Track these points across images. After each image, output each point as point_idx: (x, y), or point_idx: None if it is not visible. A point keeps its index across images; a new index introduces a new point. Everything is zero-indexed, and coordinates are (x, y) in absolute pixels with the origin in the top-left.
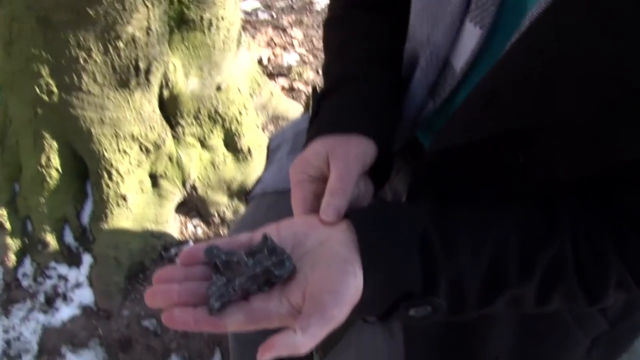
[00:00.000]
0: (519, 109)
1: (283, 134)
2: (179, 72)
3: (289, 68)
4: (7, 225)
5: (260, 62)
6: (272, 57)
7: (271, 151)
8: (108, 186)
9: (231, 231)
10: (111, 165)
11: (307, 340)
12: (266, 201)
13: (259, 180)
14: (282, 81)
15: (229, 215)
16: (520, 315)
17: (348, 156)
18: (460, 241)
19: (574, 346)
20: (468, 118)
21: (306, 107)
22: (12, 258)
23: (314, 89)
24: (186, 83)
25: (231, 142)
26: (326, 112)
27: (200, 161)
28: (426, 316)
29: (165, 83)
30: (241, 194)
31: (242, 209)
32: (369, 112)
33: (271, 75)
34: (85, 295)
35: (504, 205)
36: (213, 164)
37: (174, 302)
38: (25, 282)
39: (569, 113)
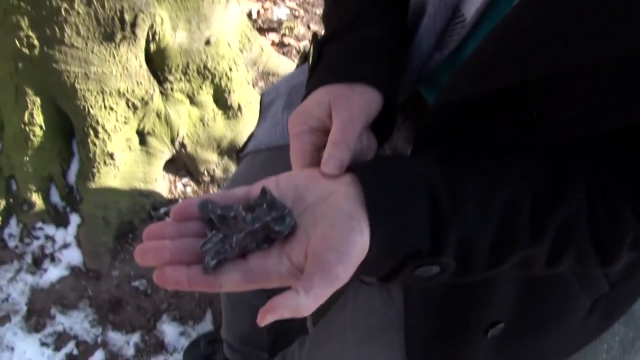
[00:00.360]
0: (532, 59)
1: (277, 89)
2: (167, 25)
3: (279, 22)
4: None
5: (249, 16)
6: (261, 11)
7: (264, 106)
8: (94, 144)
9: (223, 189)
10: (97, 122)
11: (310, 301)
12: (260, 158)
13: (250, 137)
14: (273, 36)
15: (218, 173)
16: (522, 276)
17: (352, 106)
18: (469, 197)
19: (575, 307)
20: (478, 69)
21: (303, 59)
22: None
23: (314, 35)
24: (174, 36)
25: (221, 99)
26: (328, 60)
27: (189, 118)
28: (432, 277)
29: (152, 36)
30: (231, 151)
31: (232, 167)
32: (374, 60)
33: (261, 30)
34: (73, 256)
35: (514, 161)
36: (202, 121)
37: (166, 260)
38: (11, 243)
39: (584, 63)
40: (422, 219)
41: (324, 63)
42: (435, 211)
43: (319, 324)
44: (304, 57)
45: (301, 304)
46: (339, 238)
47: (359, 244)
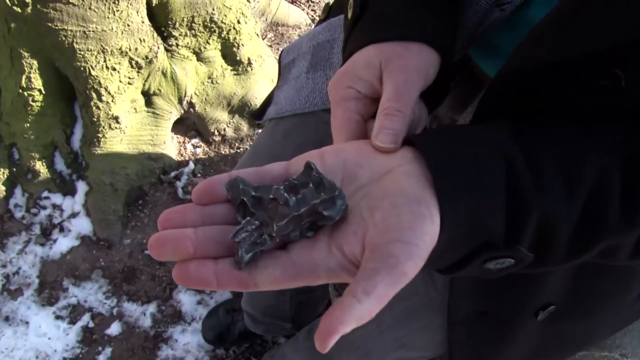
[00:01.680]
0: (626, 18)
1: (298, 47)
2: None
3: None
4: None
5: None
6: None
7: (284, 67)
8: (98, 107)
9: (241, 161)
10: (99, 84)
11: (373, 304)
12: (282, 126)
13: (269, 100)
14: None
15: (230, 132)
16: None
17: (408, 68)
18: (552, 171)
19: (628, 287)
20: (560, 30)
21: (327, 13)
22: (1, 189)
23: None
24: None
25: (229, 54)
26: (376, 13)
27: (196, 75)
28: (504, 269)
29: None
30: (242, 109)
31: (244, 126)
32: (432, 15)
33: None
34: (83, 225)
35: (599, 129)
36: (211, 78)
37: (189, 254)
38: (18, 214)
39: None
40: (497, 202)
41: (370, 16)
42: (514, 191)
43: None
44: (327, 10)
45: (363, 310)
46: (406, 227)
47: (429, 233)
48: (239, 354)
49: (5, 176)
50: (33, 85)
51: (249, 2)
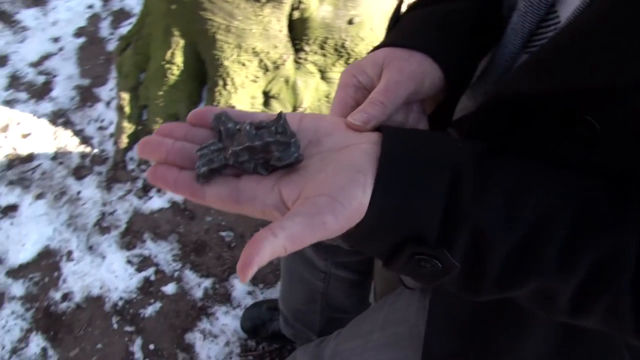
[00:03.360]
0: (602, 63)
1: None
2: None
3: None
4: (127, 110)
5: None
6: None
7: None
8: (220, 94)
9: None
10: (228, 74)
11: (287, 242)
12: None
13: None
14: None
15: None
16: (562, 324)
17: (402, 71)
18: (497, 192)
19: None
20: (542, 65)
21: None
22: (124, 140)
23: (399, 3)
24: (319, 9)
25: None
26: (400, 26)
27: (315, 92)
28: (435, 274)
29: (298, 4)
30: None
31: None
32: (447, 35)
33: None
34: None
35: (563, 172)
36: (328, 97)
37: (162, 158)
38: (130, 166)
39: None
40: (435, 199)
41: (397, 28)
42: (452, 195)
43: (353, 321)
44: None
45: (277, 244)
46: (338, 186)
47: (357, 199)
48: (266, 352)
49: (131, 131)
50: (174, 61)
51: None
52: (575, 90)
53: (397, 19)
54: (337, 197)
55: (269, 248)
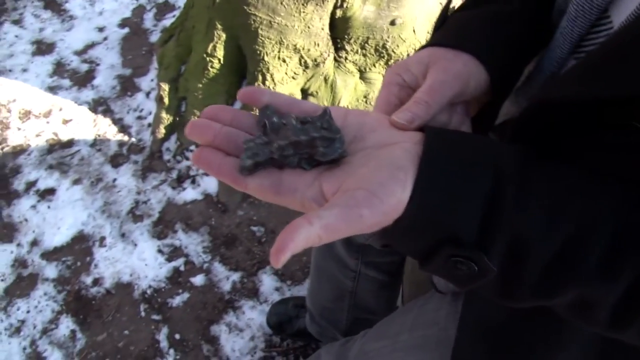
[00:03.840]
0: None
1: None
2: None
3: None
4: (166, 101)
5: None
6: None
7: None
8: None
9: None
10: (268, 69)
11: (322, 231)
12: None
13: None
14: None
15: None
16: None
17: (449, 71)
18: (539, 195)
19: None
20: (590, 70)
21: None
22: (162, 131)
23: (447, 2)
24: (362, 8)
25: None
26: (447, 25)
27: (354, 91)
28: (470, 277)
29: (341, 3)
30: None
31: None
32: (495, 37)
33: None
34: (211, 185)
35: (607, 180)
36: (366, 97)
37: (208, 141)
38: (166, 157)
39: None
40: (475, 200)
41: (444, 28)
42: (493, 199)
43: (381, 322)
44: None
45: (312, 233)
46: (378, 181)
47: (396, 196)
48: (290, 349)
49: (169, 122)
50: (216, 54)
51: None
52: (624, 96)
53: (444, 18)
54: (376, 192)
55: (304, 235)
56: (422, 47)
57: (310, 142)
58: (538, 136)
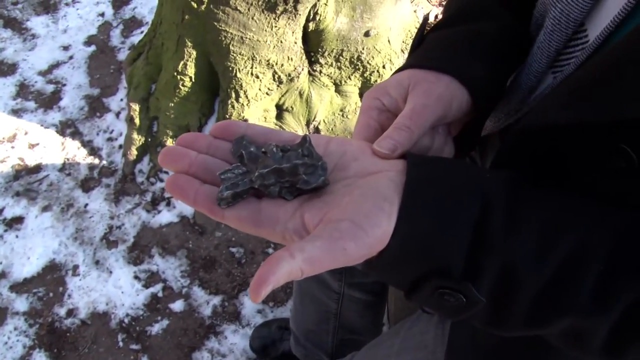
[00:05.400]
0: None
1: None
2: (330, 7)
3: None
4: (137, 121)
5: (426, 19)
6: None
7: None
8: (233, 106)
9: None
10: (241, 86)
11: (304, 264)
12: None
13: None
14: None
15: None
16: None
17: (430, 94)
18: (529, 224)
19: None
20: (575, 94)
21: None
22: (134, 152)
23: (425, 18)
24: (335, 20)
25: None
26: (426, 45)
27: (330, 105)
28: (459, 308)
29: (313, 16)
30: None
31: None
32: (476, 57)
33: None
34: (187, 207)
35: (598, 206)
36: (343, 111)
37: (183, 169)
38: (139, 179)
39: None
40: (463, 230)
41: (422, 48)
42: (481, 228)
43: (368, 346)
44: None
45: (294, 266)
46: (362, 213)
47: (382, 228)
48: None
49: (141, 143)
50: (187, 72)
51: (403, 52)
52: (616, 120)
53: (421, 38)
54: (361, 224)
55: (285, 269)
56: (400, 69)
57: (293, 169)
58: (521, 161)
